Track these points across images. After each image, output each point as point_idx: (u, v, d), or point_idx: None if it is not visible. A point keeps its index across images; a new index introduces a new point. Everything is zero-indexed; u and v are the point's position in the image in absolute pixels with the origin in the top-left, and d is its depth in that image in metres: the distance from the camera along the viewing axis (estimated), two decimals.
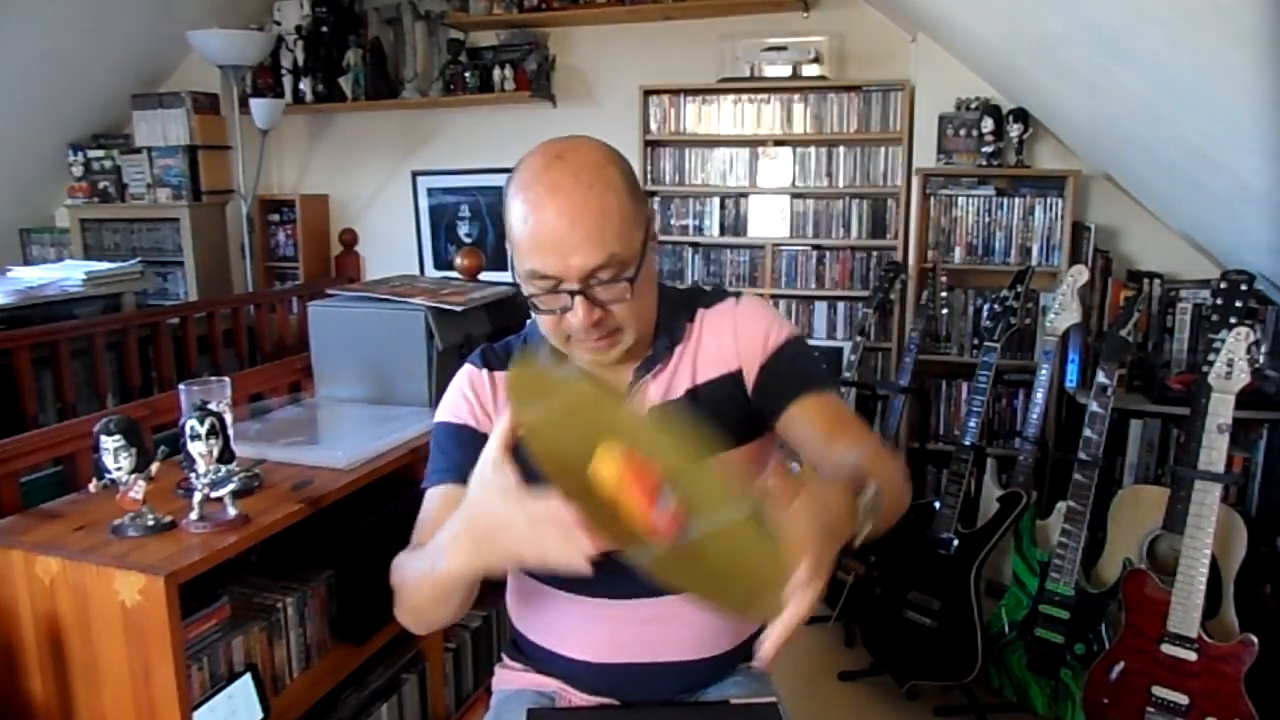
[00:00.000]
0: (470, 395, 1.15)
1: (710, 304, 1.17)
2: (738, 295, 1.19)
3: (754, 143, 3.44)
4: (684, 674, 1.17)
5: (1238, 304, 1.92)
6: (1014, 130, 2.99)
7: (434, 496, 1.12)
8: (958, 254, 3.11)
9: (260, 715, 1.34)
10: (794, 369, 1.12)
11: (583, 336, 1.03)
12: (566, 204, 0.97)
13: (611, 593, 1.13)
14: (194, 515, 1.30)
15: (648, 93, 3.50)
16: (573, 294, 0.99)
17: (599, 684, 1.17)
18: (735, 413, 1.12)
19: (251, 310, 3.39)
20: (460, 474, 1.06)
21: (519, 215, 1.00)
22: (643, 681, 1.16)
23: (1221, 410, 1.88)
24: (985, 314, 3.05)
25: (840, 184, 3.36)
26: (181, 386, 1.46)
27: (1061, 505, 2.18)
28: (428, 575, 0.96)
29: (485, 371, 1.16)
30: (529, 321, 1.19)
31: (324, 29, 3.86)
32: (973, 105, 3.09)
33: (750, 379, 1.13)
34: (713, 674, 1.20)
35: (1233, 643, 1.84)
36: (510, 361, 1.16)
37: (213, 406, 1.37)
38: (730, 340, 1.14)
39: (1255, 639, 1.81)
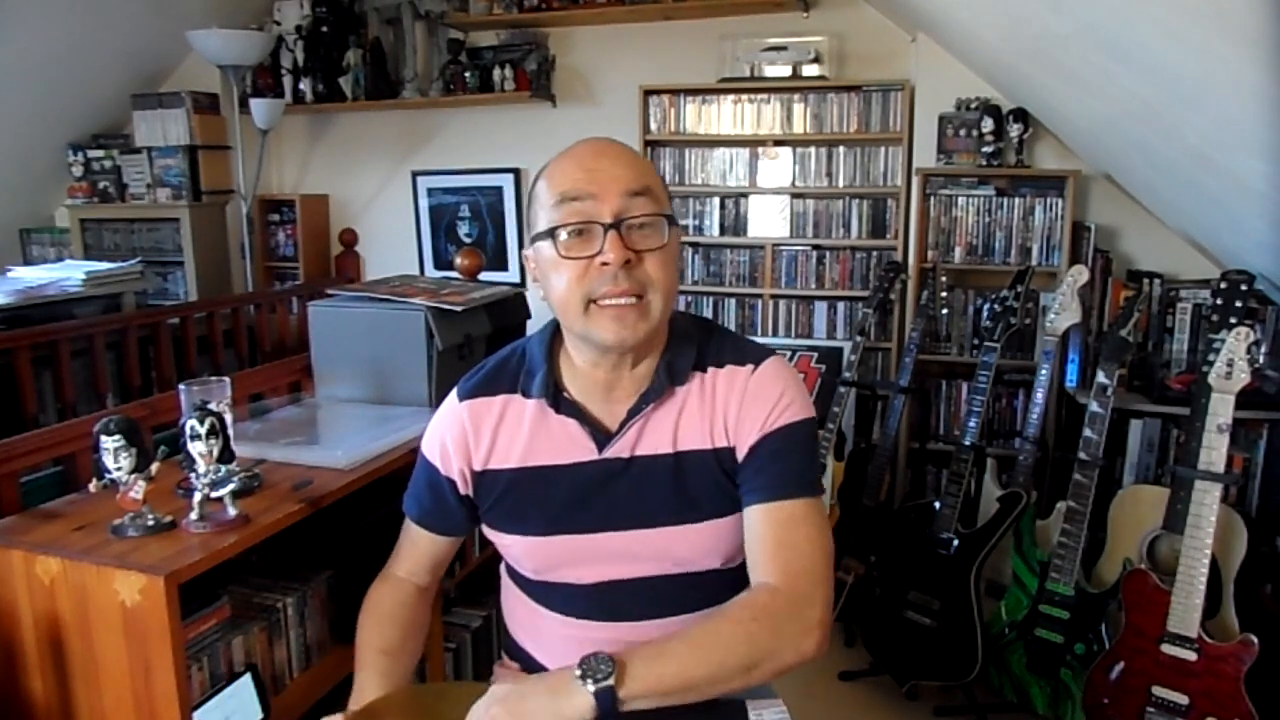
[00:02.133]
0: (445, 437, 1.16)
1: (724, 362, 1.09)
2: (757, 361, 1.09)
3: (754, 143, 3.44)
4: None
5: (1238, 304, 1.92)
6: (1014, 130, 2.99)
7: (407, 525, 1.24)
8: (958, 254, 3.11)
9: (260, 715, 1.34)
10: (776, 465, 1.05)
11: (610, 287, 0.99)
12: (607, 147, 1.04)
13: (597, 615, 1.13)
14: (194, 515, 1.30)
15: (648, 93, 3.50)
16: (606, 228, 0.98)
17: None
18: (724, 486, 1.08)
19: (251, 310, 3.39)
20: (423, 516, 1.21)
21: (553, 167, 1.04)
22: None
23: (1221, 410, 1.88)
24: (985, 314, 3.05)
25: (840, 184, 3.36)
26: (181, 386, 1.46)
27: (1061, 505, 2.18)
28: (357, 656, 1.16)
29: (464, 404, 1.16)
30: (529, 342, 1.16)
31: (324, 29, 3.86)
32: (973, 105, 3.09)
33: (740, 454, 1.07)
34: None
35: (1233, 643, 1.84)
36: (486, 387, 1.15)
37: (213, 406, 1.36)
38: (735, 411, 1.07)
39: (1255, 639, 1.81)
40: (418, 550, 1.23)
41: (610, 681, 0.89)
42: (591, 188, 0.99)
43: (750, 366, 1.09)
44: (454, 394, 1.18)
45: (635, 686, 0.90)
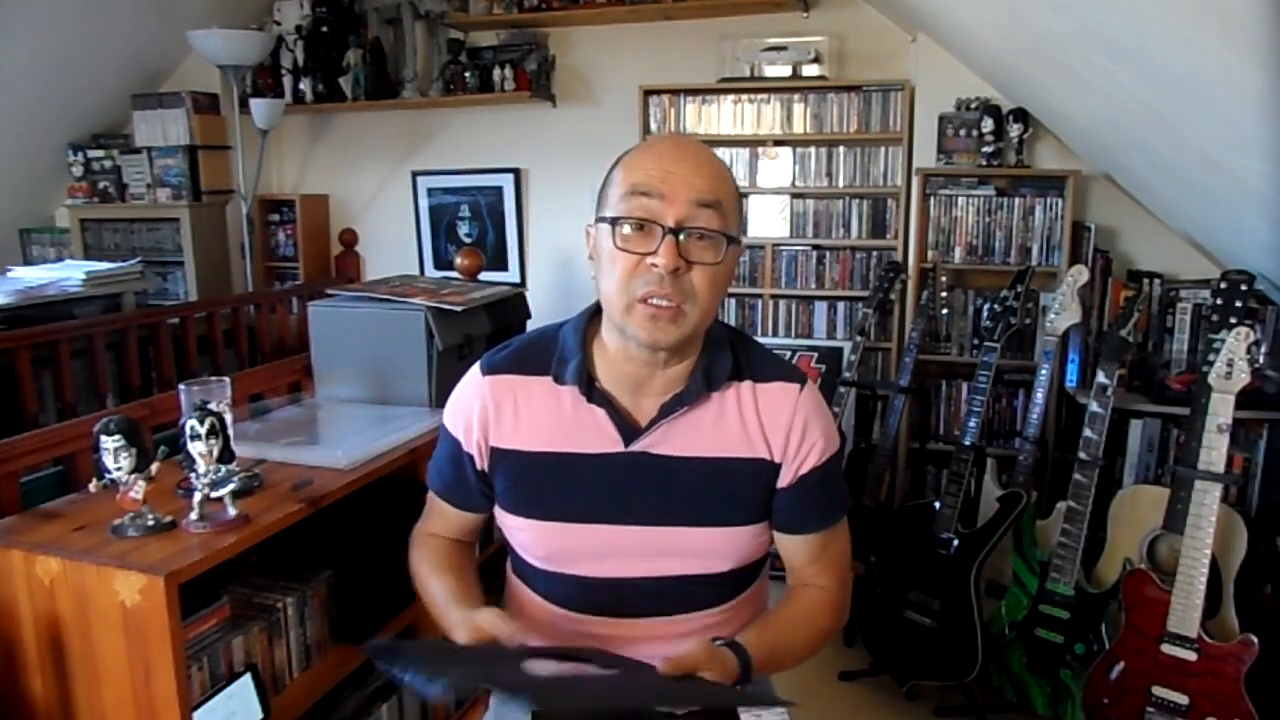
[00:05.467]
0: (467, 409, 1.15)
1: (769, 377, 1.12)
2: (801, 381, 1.13)
3: (754, 143, 3.43)
4: None
5: (1238, 304, 1.92)
6: (1014, 130, 2.98)
7: (432, 498, 1.24)
8: (958, 254, 3.11)
9: (260, 715, 1.34)
10: (821, 496, 1.14)
11: (655, 288, 1.00)
12: (689, 151, 1.03)
13: (603, 611, 1.14)
14: (194, 515, 1.30)
15: (648, 93, 3.49)
16: (665, 231, 0.99)
17: None
18: (756, 497, 1.12)
19: (251, 310, 3.39)
20: (445, 490, 1.20)
21: (632, 158, 1.03)
22: None
23: (1221, 410, 1.88)
24: (985, 314, 3.05)
25: (840, 184, 3.36)
26: (181, 386, 1.46)
27: (1061, 505, 2.18)
28: (434, 606, 1.13)
29: (487, 378, 1.14)
30: (564, 328, 1.15)
31: (324, 29, 3.85)
32: (973, 105, 3.09)
33: (784, 478, 1.12)
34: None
35: (1233, 643, 1.84)
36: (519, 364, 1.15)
37: (213, 406, 1.37)
38: (783, 429, 1.10)
39: (1255, 639, 1.81)
40: (447, 520, 1.23)
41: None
42: (663, 188, 0.99)
43: (798, 386, 1.13)
44: (477, 367, 1.16)
45: (762, 667, 1.04)
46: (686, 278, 1.01)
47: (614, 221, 1.01)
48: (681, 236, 0.99)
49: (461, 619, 1.04)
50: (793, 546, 1.17)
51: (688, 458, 1.09)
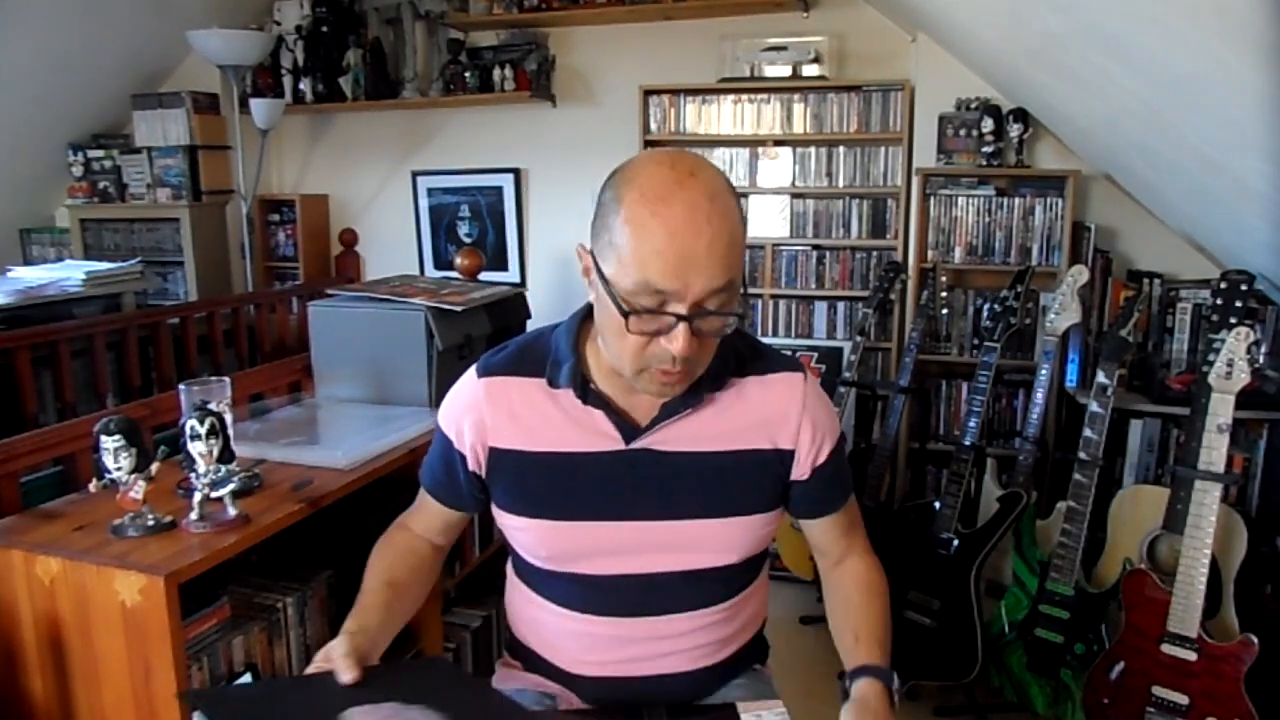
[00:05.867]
0: (460, 411, 1.14)
1: (765, 371, 1.13)
2: (802, 369, 1.15)
3: (754, 143, 3.44)
4: (683, 684, 1.18)
5: (1238, 304, 1.92)
6: (1014, 130, 2.98)
7: (422, 492, 1.24)
8: (958, 254, 3.11)
9: None
10: (835, 483, 1.18)
11: (668, 365, 0.98)
12: (704, 225, 0.93)
13: (605, 610, 1.13)
14: (194, 515, 1.30)
15: (648, 93, 3.49)
16: (679, 318, 0.95)
17: (598, 694, 1.18)
18: (769, 485, 1.13)
19: (251, 310, 3.39)
20: (434, 487, 1.21)
21: (641, 226, 0.93)
22: (642, 692, 1.16)
23: (1221, 410, 1.88)
24: (985, 314, 3.05)
25: (840, 184, 3.36)
26: (181, 386, 1.47)
27: (1061, 505, 2.18)
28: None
29: (482, 380, 1.14)
30: (556, 332, 1.14)
31: (324, 29, 3.85)
32: (973, 105, 3.09)
33: (800, 469, 1.13)
34: (714, 681, 1.21)
35: (1233, 643, 1.84)
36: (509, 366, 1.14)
37: (213, 406, 1.37)
38: (793, 421, 1.12)
39: (1255, 639, 1.81)
40: (429, 517, 1.23)
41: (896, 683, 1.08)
42: (677, 284, 0.93)
43: (800, 375, 1.15)
44: (473, 370, 1.16)
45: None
46: (696, 353, 0.99)
47: (625, 314, 0.96)
48: (694, 321, 0.96)
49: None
50: (821, 528, 1.21)
51: (693, 453, 1.09)
